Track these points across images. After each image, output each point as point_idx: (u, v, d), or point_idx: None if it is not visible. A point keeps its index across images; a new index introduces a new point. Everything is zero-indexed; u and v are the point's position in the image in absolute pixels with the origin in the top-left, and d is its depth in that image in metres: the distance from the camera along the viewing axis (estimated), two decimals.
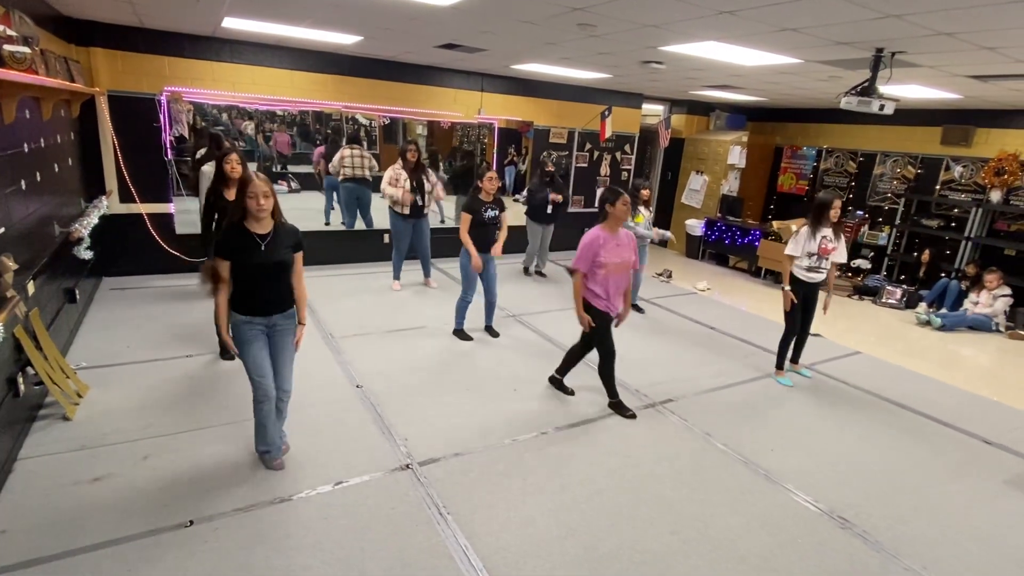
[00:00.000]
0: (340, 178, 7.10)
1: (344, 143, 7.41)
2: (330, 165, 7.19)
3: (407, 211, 5.96)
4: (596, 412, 3.82)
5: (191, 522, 2.53)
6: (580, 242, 3.60)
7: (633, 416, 3.77)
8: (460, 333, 5.02)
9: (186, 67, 5.81)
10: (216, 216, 3.94)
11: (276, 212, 2.72)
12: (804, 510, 2.93)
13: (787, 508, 2.94)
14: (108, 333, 4.52)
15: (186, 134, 7.01)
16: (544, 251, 7.40)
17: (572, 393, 4.02)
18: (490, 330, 5.15)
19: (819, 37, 3.85)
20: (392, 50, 6.01)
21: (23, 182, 3.41)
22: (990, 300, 6.36)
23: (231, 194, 3.77)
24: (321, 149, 8.21)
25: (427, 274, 6.56)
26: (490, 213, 4.72)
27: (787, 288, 4.42)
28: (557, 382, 4.09)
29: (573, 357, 4.01)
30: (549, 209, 7.04)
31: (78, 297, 4.50)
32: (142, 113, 5.70)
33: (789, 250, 4.41)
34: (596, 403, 3.94)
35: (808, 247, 4.31)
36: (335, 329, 4.92)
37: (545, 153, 8.28)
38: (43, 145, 3.96)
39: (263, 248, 2.67)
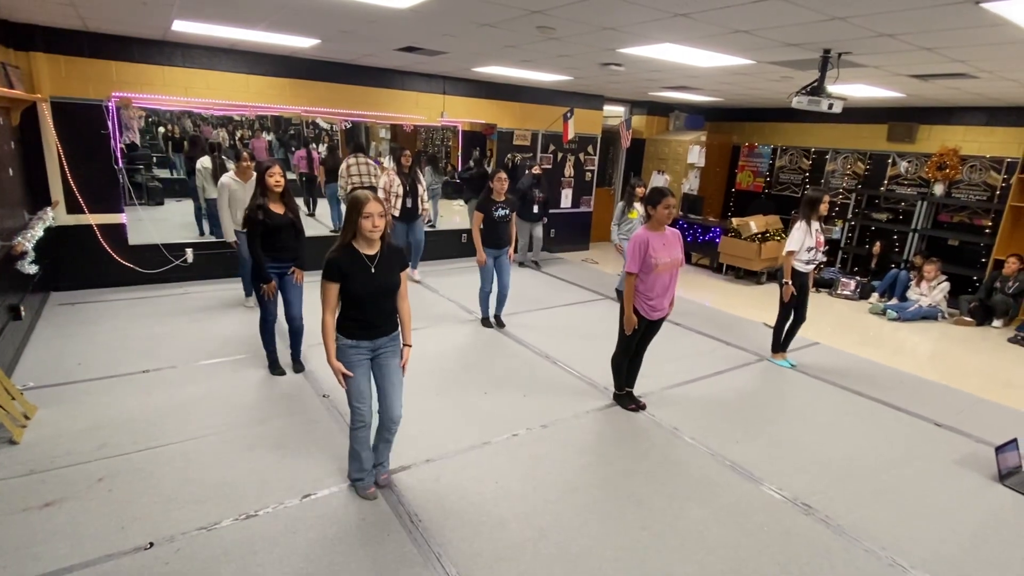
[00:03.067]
0: (348, 187, 6.91)
1: (350, 151, 7.31)
2: (339, 178, 7.06)
3: (397, 212, 6.16)
4: (567, 413, 3.84)
5: (151, 544, 2.43)
6: (628, 246, 3.58)
7: (635, 409, 3.88)
8: (485, 321, 5.41)
9: (135, 72, 5.61)
10: (262, 231, 3.80)
11: (385, 233, 2.60)
12: (769, 499, 3.01)
13: (753, 498, 3.02)
14: (57, 351, 4.32)
15: (137, 141, 6.79)
16: (537, 245, 7.92)
17: (643, 407, 3.92)
18: (497, 319, 5.41)
19: (769, 39, 3.98)
20: (351, 53, 5.93)
21: None
22: (929, 290, 6.68)
23: (277, 207, 3.79)
24: (302, 153, 8.10)
25: (414, 266, 6.75)
26: (500, 212, 5.03)
27: (788, 282, 4.63)
28: (622, 399, 3.95)
29: (620, 365, 3.91)
30: (536, 208, 7.55)
31: (23, 314, 4.29)
32: (89, 120, 5.47)
33: (791, 247, 4.60)
34: (568, 403, 3.97)
35: (807, 242, 4.58)
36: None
37: (510, 155, 8.32)
38: None
39: (373, 270, 2.56)
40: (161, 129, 7.47)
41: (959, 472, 3.40)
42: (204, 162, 6.61)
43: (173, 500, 2.72)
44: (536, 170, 7.69)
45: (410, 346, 2.81)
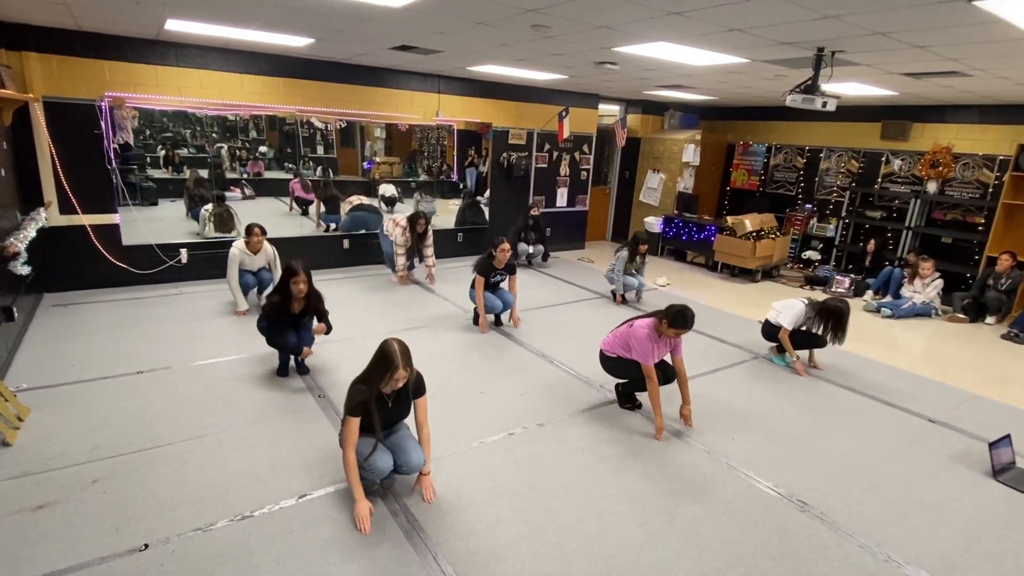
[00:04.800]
0: (348, 208, 7.49)
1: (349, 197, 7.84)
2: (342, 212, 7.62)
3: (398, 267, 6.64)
4: (563, 412, 3.85)
5: (146, 546, 2.42)
6: (637, 345, 3.55)
7: (631, 408, 3.90)
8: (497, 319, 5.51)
9: (128, 71, 5.58)
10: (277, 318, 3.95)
11: (411, 372, 2.65)
12: (765, 495, 3.02)
13: (749, 494, 3.03)
14: (51, 352, 4.29)
15: (131, 141, 6.75)
16: (537, 254, 8.08)
17: (640, 406, 3.93)
18: (497, 318, 5.46)
19: (763, 37, 3.99)
20: (346, 52, 5.91)
21: None
22: (923, 287, 6.71)
23: (296, 307, 3.93)
24: (296, 182, 8.13)
25: (411, 267, 6.97)
26: (498, 278, 5.30)
27: (798, 357, 4.73)
28: (626, 399, 3.97)
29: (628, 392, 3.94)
30: (525, 259, 7.89)
31: (16, 315, 4.27)
32: (82, 120, 5.44)
33: (788, 324, 4.64)
34: (563, 401, 3.97)
35: (798, 323, 4.68)
36: None
37: (505, 154, 8.31)
38: None
39: (390, 405, 2.72)
40: (162, 151, 7.54)
41: (953, 468, 3.42)
42: (210, 209, 6.67)
43: (168, 501, 2.71)
44: (534, 211, 7.80)
45: (428, 474, 2.82)
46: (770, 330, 4.84)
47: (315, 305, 4.01)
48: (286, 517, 2.65)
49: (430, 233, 6.65)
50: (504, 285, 5.42)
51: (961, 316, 6.55)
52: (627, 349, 3.65)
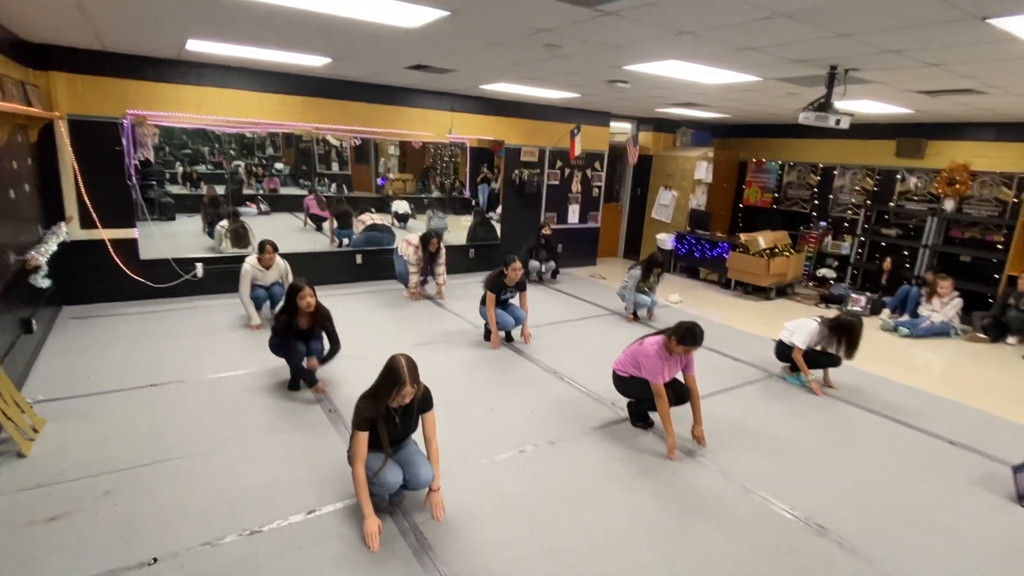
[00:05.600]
0: (361, 227, 7.68)
1: (360, 213, 7.98)
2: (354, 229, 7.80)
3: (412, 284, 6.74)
4: (574, 429, 3.81)
5: (155, 559, 2.42)
6: (647, 363, 3.52)
7: (644, 426, 3.85)
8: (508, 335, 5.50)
9: (150, 90, 5.72)
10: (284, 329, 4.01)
11: (418, 388, 2.66)
12: (780, 517, 2.96)
13: (764, 516, 2.96)
14: (67, 364, 4.35)
15: (151, 158, 6.91)
16: (548, 270, 8.10)
17: (652, 425, 3.88)
18: (508, 334, 5.43)
19: (775, 56, 4.00)
20: (361, 71, 6.02)
21: None
22: (941, 307, 6.59)
23: (304, 322, 3.99)
24: (311, 198, 8.27)
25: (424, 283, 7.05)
26: (508, 295, 5.32)
27: (811, 378, 4.66)
28: (638, 417, 3.92)
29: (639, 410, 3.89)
30: (536, 275, 7.87)
31: (35, 327, 4.34)
32: (104, 137, 5.58)
33: (802, 344, 4.58)
34: (574, 419, 3.93)
35: (811, 342, 4.60)
36: None
37: (518, 171, 8.37)
38: None
39: (398, 420, 2.72)
40: (180, 167, 7.76)
41: (974, 492, 3.32)
42: (225, 225, 6.82)
43: (178, 514, 2.71)
44: (546, 230, 7.85)
45: (438, 490, 2.79)
46: (783, 350, 4.78)
47: (322, 321, 4.05)
48: (295, 532, 2.64)
49: (442, 251, 6.71)
50: (514, 301, 5.42)
51: (981, 336, 6.42)
52: (637, 367, 3.62)
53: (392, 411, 2.68)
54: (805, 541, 2.78)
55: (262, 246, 5.34)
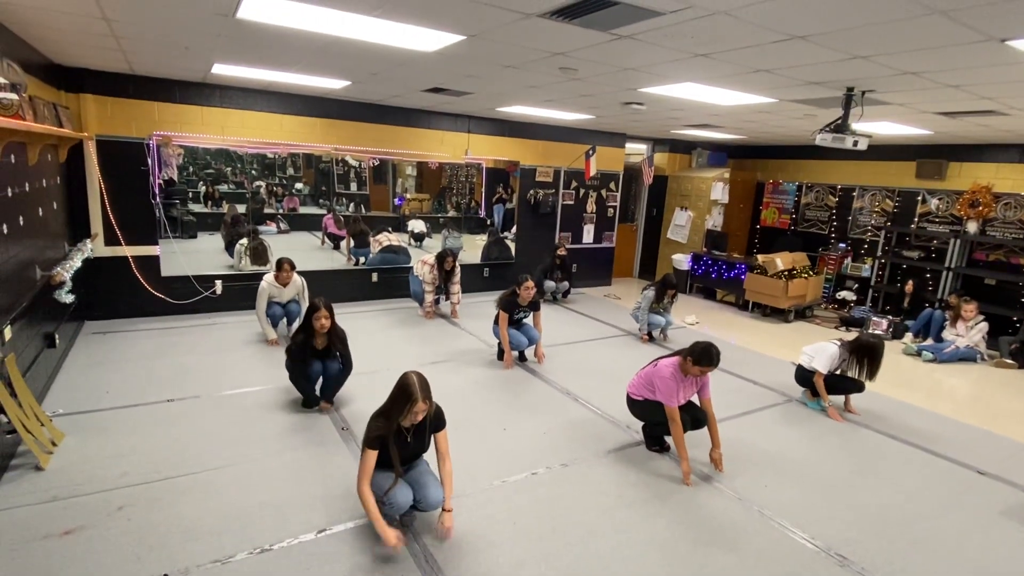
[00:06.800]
0: (377, 248, 7.77)
1: (377, 233, 8.06)
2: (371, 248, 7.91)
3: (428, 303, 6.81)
4: (588, 452, 3.76)
5: None
6: (661, 384, 3.47)
7: (659, 450, 3.77)
8: (521, 355, 5.44)
9: (176, 112, 5.90)
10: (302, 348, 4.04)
11: (430, 406, 2.65)
12: (801, 547, 2.87)
13: (783, 545, 2.88)
14: (87, 378, 4.42)
15: (175, 177, 7.08)
16: (560, 288, 8.08)
17: (668, 449, 3.80)
18: (521, 354, 5.42)
19: (791, 78, 4.00)
20: (380, 94, 6.14)
21: (4, 226, 3.39)
22: (966, 331, 6.43)
23: (320, 343, 4.03)
24: (329, 218, 8.42)
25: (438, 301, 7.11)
26: (521, 315, 5.27)
27: (830, 404, 4.59)
28: (654, 441, 3.83)
29: (654, 434, 3.81)
30: (551, 295, 7.89)
31: (58, 342, 4.42)
32: (130, 157, 5.74)
33: (823, 368, 4.51)
34: (588, 441, 3.88)
35: (832, 366, 4.52)
36: None
37: (532, 191, 8.42)
38: (28, 189, 3.96)
39: (409, 440, 2.71)
40: (203, 187, 7.98)
41: (1005, 524, 3.19)
42: (245, 243, 6.95)
43: (190, 531, 2.71)
44: (561, 251, 7.92)
45: (450, 511, 2.72)
46: (804, 375, 4.68)
47: (337, 342, 4.08)
48: (305, 552, 2.62)
49: (457, 270, 6.75)
50: (528, 321, 5.40)
51: (1009, 362, 6.24)
52: (652, 390, 3.57)
53: (404, 430, 2.67)
54: (826, 572, 2.69)
55: (279, 264, 5.40)
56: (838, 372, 4.55)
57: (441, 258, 6.57)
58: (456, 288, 6.78)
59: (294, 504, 2.98)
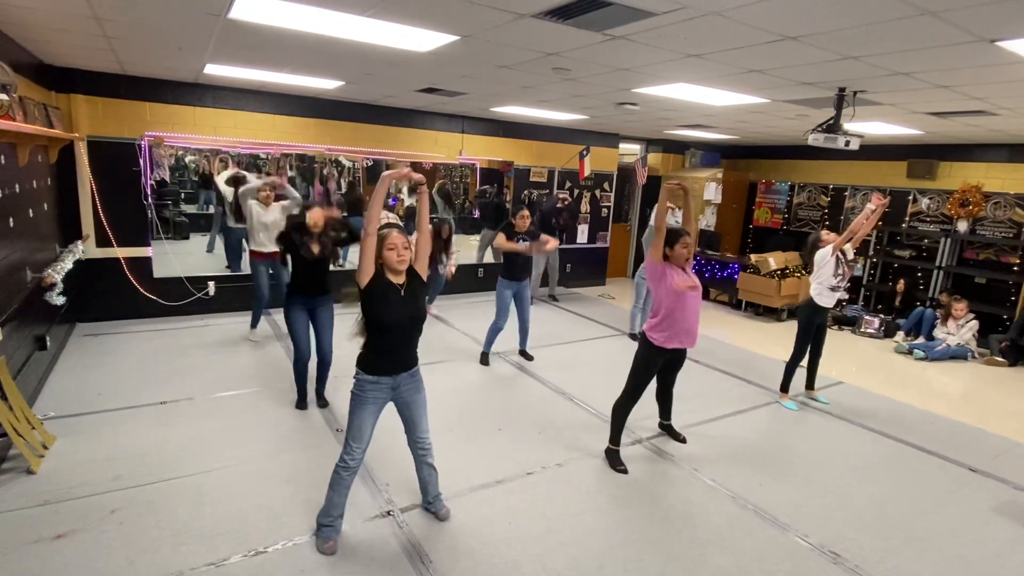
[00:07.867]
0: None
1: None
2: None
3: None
4: (583, 451, 3.76)
5: None
6: (647, 272, 3.62)
7: (624, 471, 3.51)
8: (484, 357, 5.32)
9: (168, 112, 5.86)
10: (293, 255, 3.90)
11: (411, 265, 2.64)
12: (795, 545, 2.88)
13: (778, 544, 2.89)
14: (79, 381, 4.38)
15: (167, 178, 7.03)
16: (553, 277, 8.13)
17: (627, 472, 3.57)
18: (524, 354, 5.43)
19: (783, 78, 4.02)
20: (374, 94, 6.13)
21: None
22: (957, 329, 6.49)
23: (314, 247, 3.82)
24: (320, 188, 8.34)
25: (431, 300, 6.97)
26: (521, 240, 5.14)
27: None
28: (613, 456, 3.62)
29: (624, 414, 3.67)
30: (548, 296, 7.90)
31: (49, 344, 4.39)
32: (122, 158, 5.69)
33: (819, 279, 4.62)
34: (584, 441, 3.89)
35: (838, 270, 4.60)
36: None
37: (527, 192, 8.42)
38: (18, 191, 3.92)
39: (403, 293, 2.59)
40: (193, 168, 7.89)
41: (997, 521, 3.22)
42: (225, 175, 6.61)
43: (183, 534, 2.69)
44: (562, 202, 7.95)
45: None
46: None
47: (328, 246, 3.87)
48: (299, 554, 2.61)
49: (453, 239, 6.63)
50: (526, 312, 5.34)
51: (1000, 359, 6.30)
52: (657, 282, 3.52)
53: (396, 286, 2.57)
54: (819, 569, 2.70)
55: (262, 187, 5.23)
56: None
57: (438, 227, 6.40)
58: (452, 253, 6.62)
59: (289, 506, 2.97)
